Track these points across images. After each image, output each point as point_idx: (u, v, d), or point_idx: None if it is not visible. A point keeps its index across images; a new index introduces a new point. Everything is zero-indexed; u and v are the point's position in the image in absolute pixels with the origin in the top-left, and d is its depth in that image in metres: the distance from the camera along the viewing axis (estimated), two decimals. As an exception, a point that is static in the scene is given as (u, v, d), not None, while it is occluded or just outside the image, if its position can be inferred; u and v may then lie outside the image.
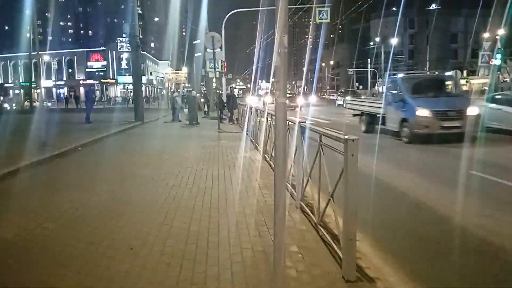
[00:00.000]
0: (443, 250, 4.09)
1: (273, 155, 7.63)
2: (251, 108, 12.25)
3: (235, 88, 40.85)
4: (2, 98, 43.67)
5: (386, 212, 5.26)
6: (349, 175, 3.05)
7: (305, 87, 76.06)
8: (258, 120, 10.83)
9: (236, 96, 33.42)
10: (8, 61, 72.19)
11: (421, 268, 3.69)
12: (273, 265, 3.15)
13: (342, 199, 3.22)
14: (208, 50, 19.26)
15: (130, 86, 58.90)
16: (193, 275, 3.24)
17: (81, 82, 70.94)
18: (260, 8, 29.89)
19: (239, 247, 3.77)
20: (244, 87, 50.37)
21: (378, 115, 13.03)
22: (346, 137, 3.12)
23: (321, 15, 22.28)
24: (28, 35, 39.60)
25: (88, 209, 5.11)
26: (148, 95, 59.36)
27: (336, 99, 42.79)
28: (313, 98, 45.67)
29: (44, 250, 3.81)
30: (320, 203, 4.21)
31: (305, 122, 5.01)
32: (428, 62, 61.17)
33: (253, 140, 11.09)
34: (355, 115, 15.96)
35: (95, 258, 3.57)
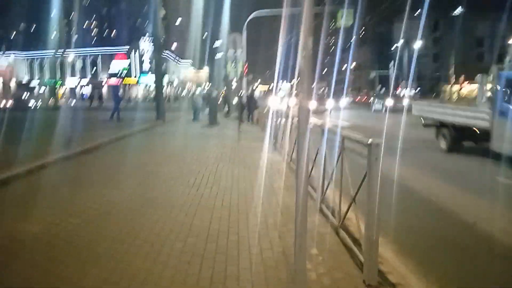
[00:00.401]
0: (468, 256, 4.01)
1: (294, 157, 7.63)
2: (272, 110, 12.07)
3: (256, 89, 40.82)
4: (27, 95, 44.87)
5: (407, 214, 5.19)
6: (372, 179, 3.03)
7: (326, 88, 75.53)
8: (279, 122, 10.81)
9: (259, 97, 33.56)
10: (34, 60, 74.08)
11: (444, 274, 3.63)
12: (293, 266, 3.15)
13: (364, 202, 3.20)
14: (230, 51, 19.39)
15: (152, 86, 59.78)
16: (213, 274, 3.27)
17: (104, 81, 72.28)
18: (283, 9, 29.89)
19: (259, 248, 3.78)
20: (267, 87, 48.42)
21: (476, 129, 9.88)
22: (369, 141, 3.10)
23: (343, 18, 22.19)
24: (54, 34, 40.64)
25: (112, 205, 5.20)
26: (169, 94, 60.01)
27: (373, 103, 36.44)
28: (344, 101, 40.32)
29: (68, 245, 3.90)
30: (341, 207, 4.18)
31: (334, 124, 4.99)
32: (454, 66, 60.02)
33: (274, 142, 11.08)
34: (427, 125, 12.27)
35: (118, 255, 3.63)
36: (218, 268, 3.36)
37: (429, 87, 70.28)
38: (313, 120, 4.71)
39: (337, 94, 52.33)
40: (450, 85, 60.15)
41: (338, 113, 27.51)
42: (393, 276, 3.22)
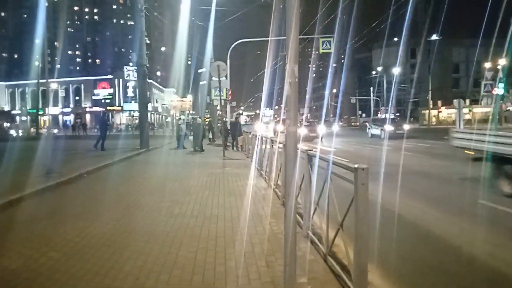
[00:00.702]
0: (456, 281, 3.99)
1: (279, 183, 7.61)
2: (258, 137, 12.05)
3: (242, 115, 40.88)
4: (9, 124, 44.16)
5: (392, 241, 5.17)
6: (359, 205, 3.02)
7: (308, 115, 76.39)
8: (264, 148, 10.82)
9: (245, 123, 33.57)
10: (16, 89, 73.39)
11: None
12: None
13: (352, 229, 3.18)
14: (213, 78, 19.56)
15: (136, 114, 59.59)
16: (200, 307, 3.17)
17: (88, 109, 71.82)
18: (265, 38, 30.49)
19: (247, 278, 3.70)
20: (253, 113, 47.38)
21: None
22: (355, 165, 3.11)
23: (324, 45, 22.76)
24: (36, 63, 40.46)
25: (94, 238, 5.05)
26: (153, 122, 59.89)
27: (369, 128, 33.04)
28: (335, 127, 38.37)
29: (49, 281, 3.74)
30: (328, 233, 4.15)
31: (312, 150, 5.01)
32: (430, 92, 61.66)
33: (259, 168, 11.07)
34: (477, 159, 9.15)
35: (101, 289, 3.50)
36: (205, 301, 3.26)
37: (411, 111, 71.89)
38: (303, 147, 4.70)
39: (329, 119, 51.76)
40: (428, 110, 61.75)
41: (331, 139, 24.85)
42: (384, 304, 3.17)
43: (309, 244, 4.62)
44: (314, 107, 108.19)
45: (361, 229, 3.04)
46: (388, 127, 27.70)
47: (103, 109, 67.96)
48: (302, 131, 24.73)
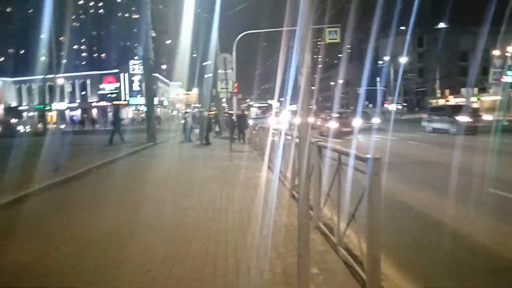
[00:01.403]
0: (468, 270, 3.96)
1: (287, 175, 7.58)
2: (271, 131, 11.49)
3: (252, 106, 39.12)
4: (16, 120, 44.50)
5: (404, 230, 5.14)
6: (372, 195, 2.99)
7: (315, 106, 75.83)
8: (272, 140, 10.78)
9: (256, 116, 32.79)
10: (23, 85, 73.79)
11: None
12: (295, 287, 3.07)
13: (363, 219, 3.15)
14: (219, 71, 19.51)
15: (142, 108, 59.77)
16: (212, 299, 3.16)
17: (94, 104, 72.10)
18: (272, 30, 30.30)
19: (259, 269, 3.69)
20: (265, 105, 40.95)
21: None
22: (368, 156, 3.07)
23: (331, 35, 22.56)
24: (43, 58, 40.61)
25: (104, 232, 5.07)
26: (158, 115, 59.99)
27: (427, 120, 24.70)
28: (375, 119, 29.66)
29: (61, 274, 3.76)
30: (339, 224, 4.12)
31: (321, 140, 4.97)
32: (438, 80, 61.10)
33: (266, 160, 11.03)
34: None
35: (112, 283, 3.52)
36: (217, 293, 3.26)
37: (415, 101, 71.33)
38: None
39: (367, 111, 43.83)
40: (435, 99, 61.24)
41: (372, 136, 20.14)
42: (397, 294, 3.15)
43: (320, 235, 4.60)
44: (320, 98, 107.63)
45: (374, 220, 3.01)
46: (463, 118, 20.48)
47: (109, 104, 68.36)
48: (333, 124, 22.13)
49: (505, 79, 29.12)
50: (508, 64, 30.52)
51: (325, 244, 4.35)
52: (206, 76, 34.06)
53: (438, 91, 62.82)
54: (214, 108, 33.22)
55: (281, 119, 25.51)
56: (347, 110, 39.57)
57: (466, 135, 18.06)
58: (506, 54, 35.52)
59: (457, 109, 22.28)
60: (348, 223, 3.82)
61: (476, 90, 56.63)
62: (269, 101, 41.65)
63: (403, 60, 59.67)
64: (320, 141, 4.95)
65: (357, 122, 22.47)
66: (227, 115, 30.84)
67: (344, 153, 3.96)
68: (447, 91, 64.76)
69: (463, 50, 75.91)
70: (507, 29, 32.80)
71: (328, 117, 25.33)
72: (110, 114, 66.36)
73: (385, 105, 64.81)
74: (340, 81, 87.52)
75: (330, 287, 3.31)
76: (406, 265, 3.99)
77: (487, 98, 54.88)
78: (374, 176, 2.94)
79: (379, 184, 2.96)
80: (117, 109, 21.08)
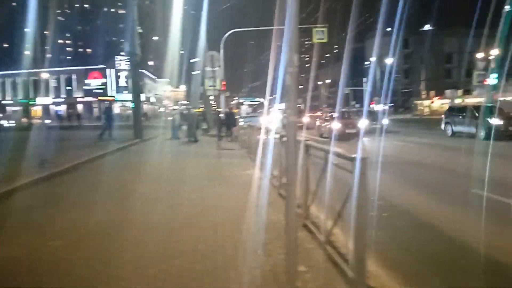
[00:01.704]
0: (453, 268, 4.08)
1: (275, 173, 7.65)
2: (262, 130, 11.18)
3: (243, 104, 37.68)
4: (0, 115, 43.70)
5: (391, 229, 5.25)
6: (359, 194, 3.07)
7: (302, 105, 75.94)
8: (259, 138, 10.83)
9: (247, 115, 31.87)
10: (6, 79, 72.38)
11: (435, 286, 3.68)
12: (283, 284, 3.14)
13: (349, 217, 3.23)
14: (207, 68, 19.49)
15: (128, 104, 59.17)
16: (202, 295, 3.21)
17: (79, 99, 71.12)
18: (259, 28, 30.34)
19: (248, 266, 3.75)
20: (257, 102, 36.19)
21: None
22: (354, 155, 3.15)
23: (318, 35, 22.71)
24: (27, 52, 39.93)
25: (92, 227, 5.07)
26: (146, 112, 59.50)
27: (447, 122, 20.85)
28: (385, 120, 24.33)
29: (51, 269, 3.77)
30: (326, 222, 4.20)
31: (309, 139, 5.05)
32: (423, 82, 61.96)
33: (254, 158, 11.09)
34: None
35: (102, 278, 3.54)
36: (206, 289, 3.31)
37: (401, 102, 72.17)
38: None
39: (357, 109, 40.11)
40: (420, 100, 62.13)
41: (381, 139, 18.22)
42: (382, 291, 3.24)
43: (307, 233, 4.68)
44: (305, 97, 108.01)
45: (359, 218, 3.09)
46: (496, 121, 16.92)
47: (95, 99, 67.53)
48: (335, 125, 19.48)
49: (488, 81, 29.71)
50: (491, 67, 31.14)
51: (312, 242, 4.43)
52: (193, 73, 33.94)
53: (424, 92, 63.68)
54: (202, 106, 33.14)
55: (273, 118, 21.73)
56: (351, 109, 35.40)
57: (498, 140, 14.72)
58: (489, 57, 36.23)
59: (482, 109, 18.30)
60: (335, 221, 3.90)
61: (460, 92, 57.56)
62: (261, 99, 38.71)
63: (389, 61, 60.29)
64: (308, 140, 5.03)
65: (363, 122, 19.21)
66: (214, 112, 30.72)
67: (332, 152, 4.04)
68: (432, 93, 65.72)
69: (448, 52, 77.08)
70: (490, 32, 33.47)
71: (328, 117, 22.98)
72: (95, 110, 65.61)
73: (371, 105, 65.43)
74: (327, 81, 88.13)
75: (317, 284, 3.38)
76: (392, 263, 4.10)
77: (471, 100, 55.84)
78: (361, 175, 3.02)
79: (365, 183, 3.04)
80: (110, 106, 20.66)
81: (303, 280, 3.42)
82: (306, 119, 29.23)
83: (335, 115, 21.87)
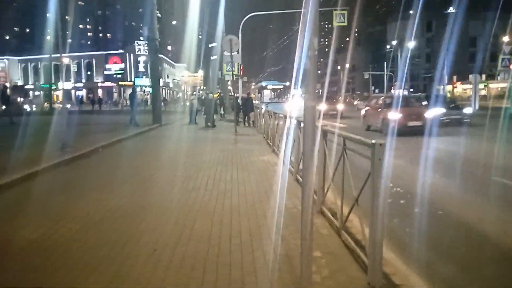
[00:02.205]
0: (469, 256, 4.01)
1: (292, 159, 7.63)
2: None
3: (266, 88, 36.08)
4: (22, 99, 44.61)
5: (407, 216, 5.19)
6: (376, 180, 3.02)
7: (320, 90, 75.02)
8: (277, 124, 10.79)
9: (270, 100, 30.96)
10: (29, 63, 73.75)
11: (447, 275, 3.64)
12: (297, 269, 3.13)
13: (366, 204, 3.19)
14: (225, 53, 19.39)
15: (147, 89, 59.67)
16: (217, 278, 3.24)
17: (100, 84, 72.09)
18: (278, 12, 29.95)
19: (262, 251, 3.76)
20: (281, 86, 36.48)
21: None
22: (373, 141, 3.09)
23: (338, 18, 22.28)
24: (48, 38, 40.44)
25: (110, 211, 5.16)
26: (165, 97, 59.95)
27: None
28: (467, 109, 19.69)
29: (68, 251, 3.85)
30: (343, 208, 4.17)
31: (327, 125, 4.99)
32: (446, 66, 60.37)
33: (271, 144, 11.07)
34: None
35: (119, 260, 3.59)
36: (221, 272, 3.33)
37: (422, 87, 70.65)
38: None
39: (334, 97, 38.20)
40: (442, 85, 60.62)
41: None
42: (397, 278, 3.20)
43: (323, 219, 4.66)
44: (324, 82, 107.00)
45: (377, 204, 3.04)
46: None
47: (115, 84, 68.23)
48: (393, 115, 14.73)
49: (514, 66, 28.73)
50: (518, 50, 30.04)
51: (328, 228, 4.41)
52: (212, 58, 33.83)
53: (446, 77, 62.11)
54: (219, 91, 33.11)
55: (295, 103, 18.82)
56: (415, 95, 28.70)
57: None
58: (516, 40, 34.96)
59: None
60: (351, 207, 3.86)
61: (484, 76, 55.92)
62: (286, 83, 35.30)
63: (411, 44, 58.87)
64: (326, 126, 4.96)
65: (432, 112, 15.20)
66: (232, 98, 30.69)
67: (348, 138, 3.98)
68: (454, 77, 64.07)
69: (472, 36, 74.74)
70: (517, 15, 32.30)
71: (379, 104, 17.62)
72: (115, 95, 66.36)
73: (392, 91, 64.26)
74: (347, 66, 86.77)
75: (332, 270, 3.36)
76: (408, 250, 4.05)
77: (494, 85, 54.23)
78: (378, 162, 2.97)
79: (382, 170, 2.98)
80: (133, 91, 20.55)
81: (318, 266, 3.41)
82: (340, 106, 27.93)
83: (391, 101, 16.87)
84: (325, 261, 3.53)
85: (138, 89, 69.48)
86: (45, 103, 44.58)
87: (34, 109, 40.39)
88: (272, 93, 33.66)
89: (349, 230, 4.14)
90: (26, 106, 39.52)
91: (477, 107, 27.25)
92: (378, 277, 3.06)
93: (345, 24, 22.41)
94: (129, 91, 69.72)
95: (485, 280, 3.59)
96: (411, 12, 66.60)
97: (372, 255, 3.08)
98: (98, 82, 72.51)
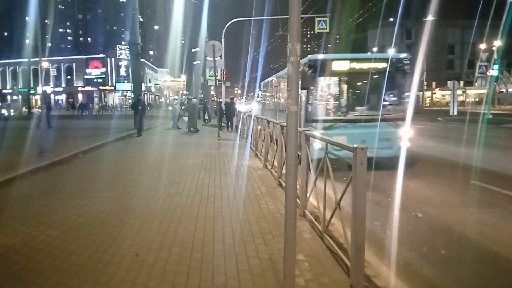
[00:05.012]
0: (449, 258, 4.10)
1: (275, 163, 7.65)
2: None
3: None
4: (0, 104, 43.58)
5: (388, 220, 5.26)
6: (357, 184, 3.06)
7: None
8: (260, 129, 10.82)
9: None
10: (7, 67, 72.22)
11: (427, 277, 3.70)
12: (281, 273, 3.15)
13: (348, 208, 3.22)
14: (208, 58, 19.36)
15: (129, 93, 59.08)
16: (200, 283, 3.22)
17: (80, 89, 71.04)
18: (262, 18, 30.13)
19: (245, 255, 3.76)
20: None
21: None
22: (354, 145, 3.13)
23: (320, 25, 22.56)
24: (27, 41, 39.72)
25: (91, 216, 5.08)
26: (147, 102, 59.39)
27: None
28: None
29: (48, 257, 3.77)
30: (325, 212, 4.20)
31: (309, 130, 5.04)
32: (425, 73, 61.60)
33: (254, 148, 11.10)
34: None
35: (101, 266, 3.54)
36: (205, 277, 3.31)
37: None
38: None
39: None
40: (422, 92, 61.84)
41: None
42: (379, 280, 3.25)
43: (306, 223, 4.69)
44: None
45: (358, 208, 3.08)
46: None
47: (95, 89, 67.30)
48: None
49: (491, 72, 29.50)
50: (494, 58, 30.88)
51: (311, 231, 4.44)
52: (194, 63, 33.76)
53: (425, 83, 63.39)
54: (203, 96, 33.02)
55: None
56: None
57: None
58: (493, 48, 35.95)
59: None
60: (334, 211, 3.90)
61: (462, 83, 57.24)
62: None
63: (391, 51, 59.88)
64: (308, 130, 5.01)
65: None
66: (215, 102, 30.60)
67: (331, 142, 4.03)
68: (433, 84, 65.44)
69: (451, 43, 76.50)
70: (493, 23, 33.18)
71: None
72: (96, 100, 65.46)
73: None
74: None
75: (315, 273, 3.39)
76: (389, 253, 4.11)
77: (472, 91, 55.58)
78: (359, 166, 3.01)
79: (364, 173, 3.03)
80: (138, 98, 19.01)
81: (301, 269, 3.43)
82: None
83: None
84: (308, 265, 3.55)
85: (119, 93, 68.71)
86: (24, 108, 43.68)
87: (12, 113, 39.48)
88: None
89: (332, 233, 4.18)
90: (4, 111, 38.60)
91: (455, 113, 27.97)
92: (361, 280, 3.10)
93: (327, 30, 22.70)
94: (111, 95, 68.96)
95: (464, 281, 3.67)
96: (391, 19, 67.92)
97: (354, 258, 3.12)
98: (78, 87, 71.45)
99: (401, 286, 3.30)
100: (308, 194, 4.99)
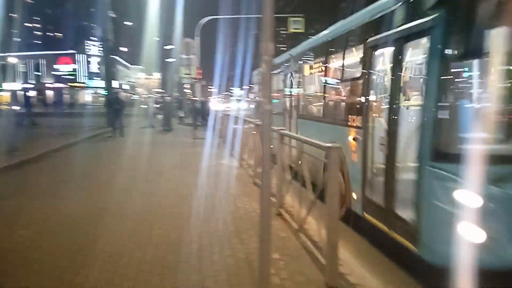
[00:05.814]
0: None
1: (250, 163, 7.68)
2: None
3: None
4: (-36, 101, 41.79)
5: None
6: (331, 183, 3.12)
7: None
8: (234, 127, 10.84)
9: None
10: (-29, 63, 69.36)
11: (401, 274, 3.80)
12: (257, 272, 3.17)
13: (323, 206, 3.28)
14: (182, 56, 19.20)
15: (101, 91, 57.77)
16: (175, 284, 3.21)
17: (49, 85, 68.94)
18: (237, 16, 30.07)
19: (221, 255, 3.77)
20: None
21: None
22: (329, 144, 3.19)
23: (295, 25, 22.73)
24: (-7, 36, 38.26)
25: (64, 216, 4.97)
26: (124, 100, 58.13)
27: None
28: None
29: (20, 258, 3.68)
30: (300, 211, 4.26)
31: (284, 129, 5.09)
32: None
33: (230, 148, 11.09)
34: None
35: (74, 267, 3.48)
36: (181, 277, 3.31)
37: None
38: None
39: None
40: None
41: None
42: (353, 277, 3.33)
43: (281, 222, 4.73)
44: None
45: (332, 206, 3.15)
46: None
47: (66, 86, 65.49)
48: None
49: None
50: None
51: (286, 230, 4.49)
52: (168, 60, 33.37)
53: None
54: (178, 94, 32.63)
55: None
56: None
57: None
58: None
59: None
60: (308, 210, 3.96)
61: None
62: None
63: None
64: (283, 129, 5.06)
65: None
66: (189, 100, 30.34)
67: (306, 141, 4.08)
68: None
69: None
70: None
71: None
72: (66, 97, 63.74)
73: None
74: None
75: (291, 271, 3.43)
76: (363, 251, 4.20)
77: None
78: (333, 165, 3.07)
79: (337, 172, 3.09)
80: (116, 94, 18.31)
81: (277, 268, 3.47)
82: None
83: None
84: (284, 263, 3.59)
85: (91, 91, 66.98)
86: (-10, 105, 42.04)
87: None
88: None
89: (307, 232, 4.24)
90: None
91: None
92: (335, 277, 3.17)
93: (302, 30, 22.90)
94: (82, 92, 67.25)
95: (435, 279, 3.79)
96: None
97: (329, 256, 3.18)
98: (47, 83, 69.32)
99: (375, 284, 3.38)
100: (283, 193, 5.04)
